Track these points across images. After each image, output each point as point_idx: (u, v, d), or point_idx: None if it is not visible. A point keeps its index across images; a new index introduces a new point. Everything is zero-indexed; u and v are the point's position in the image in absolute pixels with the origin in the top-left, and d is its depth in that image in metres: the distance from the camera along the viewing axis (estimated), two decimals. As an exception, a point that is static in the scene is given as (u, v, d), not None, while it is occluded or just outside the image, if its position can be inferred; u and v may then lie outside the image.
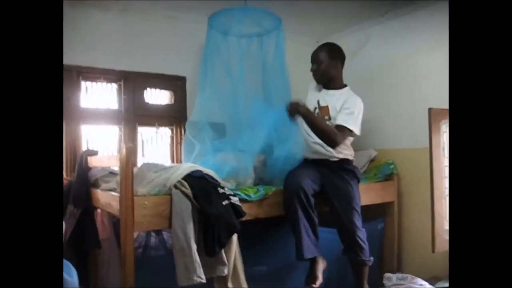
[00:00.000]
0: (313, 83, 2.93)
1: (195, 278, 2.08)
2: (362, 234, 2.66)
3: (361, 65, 3.83)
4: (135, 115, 3.30)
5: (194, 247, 2.11)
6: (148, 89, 3.39)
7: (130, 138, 3.25)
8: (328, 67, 2.77)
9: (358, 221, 2.65)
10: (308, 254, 2.50)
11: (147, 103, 3.38)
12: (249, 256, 2.48)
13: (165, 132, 3.50)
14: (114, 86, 3.29)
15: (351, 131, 2.65)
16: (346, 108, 2.67)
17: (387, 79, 3.62)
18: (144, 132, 3.38)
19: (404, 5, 3.36)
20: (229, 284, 2.30)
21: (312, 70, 2.82)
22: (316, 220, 2.57)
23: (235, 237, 2.31)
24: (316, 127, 2.60)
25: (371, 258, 2.73)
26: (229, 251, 2.28)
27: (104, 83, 3.25)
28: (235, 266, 2.33)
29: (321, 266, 2.59)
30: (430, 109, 2.86)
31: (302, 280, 2.71)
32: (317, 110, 2.78)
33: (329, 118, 2.73)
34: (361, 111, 2.72)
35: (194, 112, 2.95)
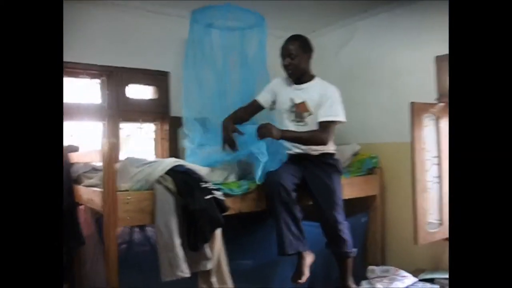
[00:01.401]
0: (278, 79, 2.86)
1: (179, 273, 2.09)
2: (344, 227, 2.67)
3: (345, 60, 3.87)
4: (118, 110, 3.28)
5: (177, 242, 2.11)
6: (132, 84, 3.37)
7: (114, 134, 3.23)
8: (301, 61, 2.70)
9: (340, 214, 2.66)
10: (289, 250, 2.49)
11: (131, 99, 3.36)
12: (233, 251, 2.49)
13: (149, 128, 3.48)
14: (97, 81, 3.27)
15: (335, 122, 2.64)
16: (325, 101, 2.63)
17: (371, 75, 3.65)
18: (128, 128, 3.36)
19: (386, 3, 3.39)
20: (213, 279, 2.30)
21: (284, 64, 2.71)
22: (299, 214, 2.57)
23: (219, 231, 2.32)
24: (297, 141, 2.66)
25: (354, 250, 2.75)
26: (213, 245, 2.28)
27: (87, 79, 3.22)
28: (219, 261, 2.34)
29: (307, 261, 2.58)
30: (412, 103, 2.89)
31: (287, 274, 2.73)
32: (293, 109, 2.74)
33: (310, 113, 2.70)
34: (339, 97, 2.69)
35: (183, 107, 2.94)
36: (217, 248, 2.32)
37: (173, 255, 2.09)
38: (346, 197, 2.94)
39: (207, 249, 2.23)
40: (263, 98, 2.83)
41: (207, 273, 2.29)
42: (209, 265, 2.24)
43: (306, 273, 2.57)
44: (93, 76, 3.24)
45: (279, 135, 2.56)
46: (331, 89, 2.69)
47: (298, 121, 2.73)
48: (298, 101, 2.73)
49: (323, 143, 2.63)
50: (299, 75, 2.73)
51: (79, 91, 3.19)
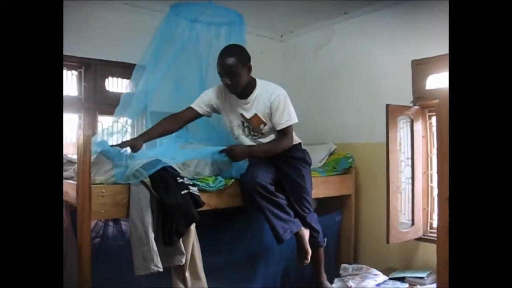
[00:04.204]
0: (214, 92, 2.69)
1: (152, 267, 2.09)
2: (312, 217, 2.75)
3: (324, 61, 3.91)
4: (95, 103, 3.25)
5: (151, 236, 2.12)
6: (110, 77, 3.34)
7: (90, 127, 3.20)
8: (242, 76, 2.48)
9: (309, 205, 2.73)
10: (286, 236, 2.55)
11: (109, 92, 3.33)
12: (207, 246, 2.50)
13: (126, 122, 3.44)
14: (74, 73, 3.23)
15: (292, 124, 2.62)
16: (276, 107, 2.55)
17: (348, 76, 3.69)
18: (105, 121, 3.33)
19: (366, 5, 3.44)
20: (187, 274, 2.31)
21: (225, 83, 2.49)
22: (282, 201, 2.60)
23: (193, 226, 2.32)
24: (265, 154, 2.64)
25: (325, 239, 2.83)
26: (187, 240, 2.29)
27: (64, 70, 3.18)
28: (193, 256, 2.34)
29: (306, 237, 2.66)
30: (388, 105, 2.95)
31: (260, 271, 2.78)
32: (246, 124, 2.65)
33: (265, 124, 2.61)
34: (287, 98, 2.60)
35: (149, 101, 2.89)
36: (190, 243, 2.32)
37: (147, 249, 2.10)
38: (321, 196, 2.98)
39: (181, 244, 2.24)
40: (200, 108, 2.67)
41: (181, 268, 2.30)
42: (183, 260, 2.25)
43: (309, 250, 2.66)
44: (69, 68, 3.20)
45: (248, 155, 2.57)
46: (278, 93, 2.58)
47: (254, 135, 2.67)
48: (249, 116, 2.61)
49: (288, 147, 2.66)
50: (243, 90, 2.57)
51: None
